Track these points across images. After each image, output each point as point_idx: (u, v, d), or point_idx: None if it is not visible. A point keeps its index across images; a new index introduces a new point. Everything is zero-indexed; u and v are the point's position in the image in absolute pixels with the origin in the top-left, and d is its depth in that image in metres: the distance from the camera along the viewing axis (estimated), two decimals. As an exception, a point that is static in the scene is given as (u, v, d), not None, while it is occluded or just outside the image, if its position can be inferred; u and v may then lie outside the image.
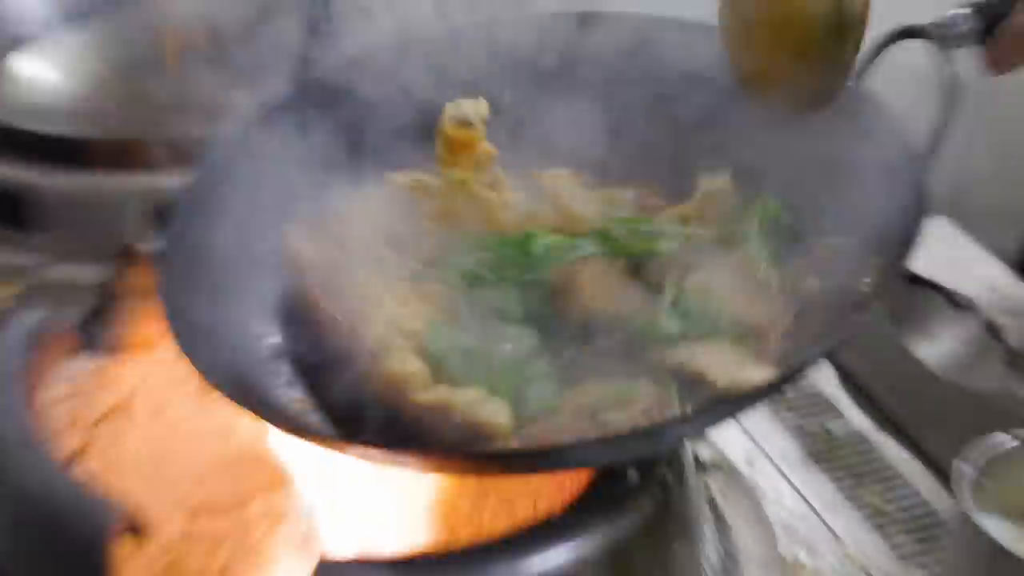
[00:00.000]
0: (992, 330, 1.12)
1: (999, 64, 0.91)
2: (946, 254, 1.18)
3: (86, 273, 1.08)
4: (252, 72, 1.35)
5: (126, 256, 0.94)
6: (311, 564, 0.75)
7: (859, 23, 0.87)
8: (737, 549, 0.99)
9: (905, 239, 0.77)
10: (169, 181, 1.20)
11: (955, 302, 1.15)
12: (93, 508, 0.77)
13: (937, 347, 1.14)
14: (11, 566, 0.83)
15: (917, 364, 1.13)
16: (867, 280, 0.79)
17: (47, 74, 1.44)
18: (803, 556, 1.02)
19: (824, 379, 1.22)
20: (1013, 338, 1.10)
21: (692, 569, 0.91)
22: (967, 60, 0.89)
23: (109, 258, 0.95)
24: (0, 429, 0.81)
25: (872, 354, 1.19)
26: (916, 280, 1.16)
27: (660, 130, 0.97)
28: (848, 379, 1.22)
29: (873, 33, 0.89)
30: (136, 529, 0.80)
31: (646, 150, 0.98)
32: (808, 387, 1.21)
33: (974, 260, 1.20)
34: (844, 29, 0.86)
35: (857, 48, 0.88)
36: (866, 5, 0.87)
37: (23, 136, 1.28)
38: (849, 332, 0.80)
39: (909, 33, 0.90)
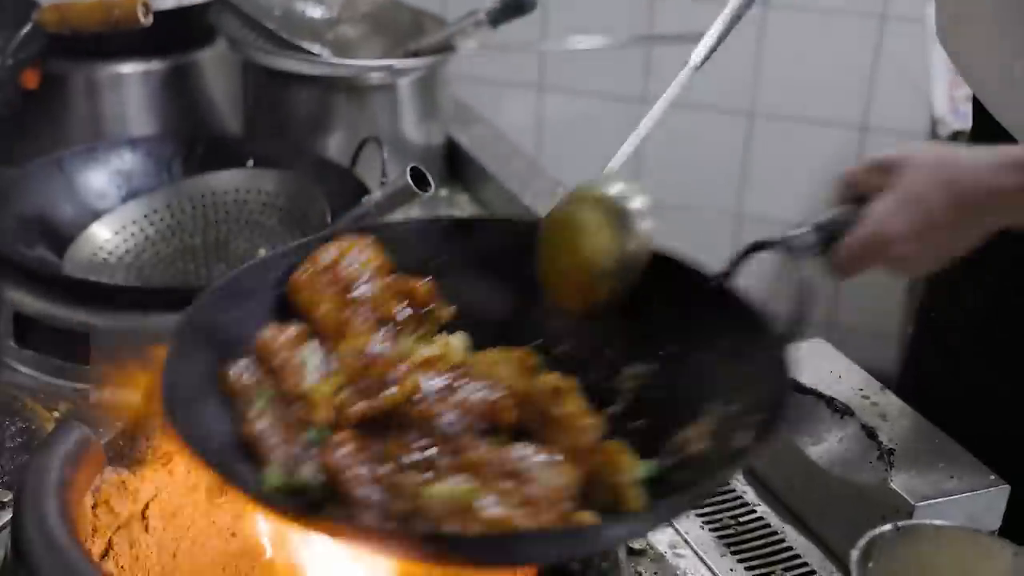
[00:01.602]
0: (867, 431, 1.12)
1: (840, 272, 0.96)
2: (824, 367, 1.20)
3: (121, 398, 1.08)
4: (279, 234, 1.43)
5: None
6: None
7: (631, 272, 0.95)
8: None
9: (778, 403, 0.81)
10: None
11: (835, 408, 1.16)
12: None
13: (823, 447, 1.14)
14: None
15: (808, 462, 1.14)
16: (751, 435, 0.81)
17: (110, 237, 1.45)
18: (720, 635, 1.03)
19: (734, 479, 1.22)
20: (885, 438, 1.11)
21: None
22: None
23: (142, 386, 0.96)
24: (40, 535, 0.82)
25: (774, 458, 1.20)
26: (802, 390, 1.19)
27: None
28: (753, 476, 1.23)
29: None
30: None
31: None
32: (719, 488, 1.19)
33: (846, 371, 1.22)
34: (617, 277, 0.95)
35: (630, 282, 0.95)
36: (640, 259, 0.95)
37: (91, 287, 1.31)
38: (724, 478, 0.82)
39: (762, 246, 0.93)
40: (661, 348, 0.93)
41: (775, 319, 0.88)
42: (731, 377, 0.87)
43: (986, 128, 1.29)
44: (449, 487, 0.81)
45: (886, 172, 0.96)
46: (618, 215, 0.98)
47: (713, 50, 1.31)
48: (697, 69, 1.30)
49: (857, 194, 0.97)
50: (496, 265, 1.01)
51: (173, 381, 0.85)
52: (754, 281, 0.94)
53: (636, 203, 0.98)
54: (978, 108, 1.32)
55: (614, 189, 1.00)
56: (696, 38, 1.53)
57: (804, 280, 0.90)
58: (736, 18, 1.33)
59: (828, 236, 0.95)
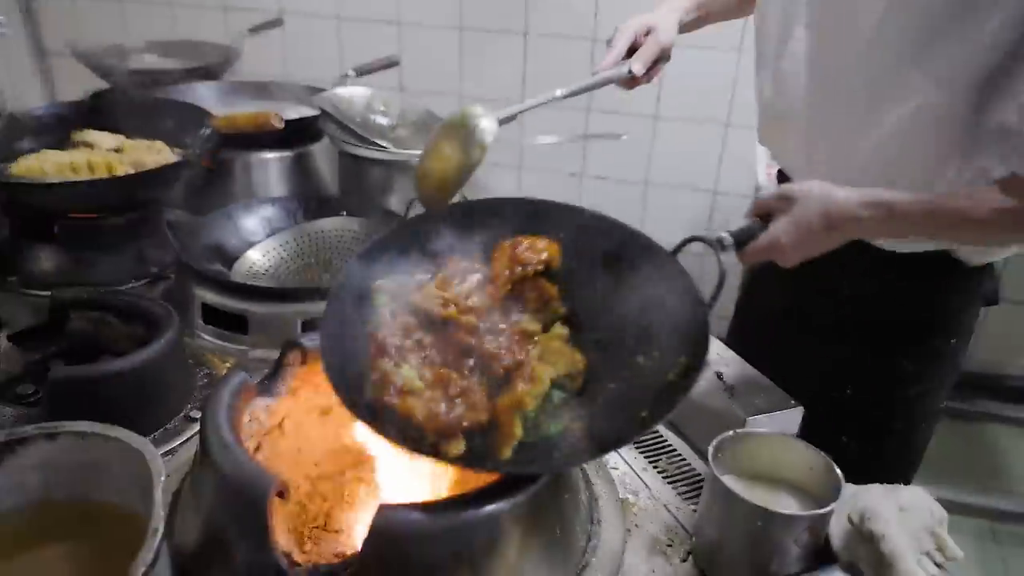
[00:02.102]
0: (717, 374, 1.12)
1: (746, 262, 0.99)
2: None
3: (268, 354, 1.08)
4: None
5: (289, 346, 0.95)
6: (375, 507, 0.75)
7: (472, 170, 0.99)
8: (597, 495, 0.99)
9: (699, 347, 0.81)
10: (314, 308, 1.24)
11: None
12: (262, 480, 0.77)
13: (690, 383, 1.15)
14: (215, 514, 0.82)
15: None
16: (675, 372, 0.82)
17: (259, 258, 1.45)
18: (631, 498, 1.02)
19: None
20: (728, 379, 1.11)
21: (573, 507, 0.90)
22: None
23: (280, 346, 0.96)
24: (216, 438, 0.81)
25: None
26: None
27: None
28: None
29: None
30: (283, 492, 0.79)
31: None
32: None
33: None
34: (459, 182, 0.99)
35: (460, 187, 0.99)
36: (472, 169, 1.00)
37: (247, 288, 1.31)
38: (668, 409, 0.79)
39: (696, 239, 0.94)
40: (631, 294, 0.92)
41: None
42: (668, 328, 0.86)
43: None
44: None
45: (786, 200, 0.96)
46: (467, 132, 1.01)
47: (569, 95, 1.22)
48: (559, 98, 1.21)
49: (765, 213, 0.98)
50: None
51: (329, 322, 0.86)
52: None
53: (480, 122, 1.01)
54: (783, 179, 1.32)
55: (468, 115, 1.02)
56: (612, 137, 1.50)
57: (721, 266, 0.90)
58: (591, 87, 1.27)
59: (742, 239, 0.96)
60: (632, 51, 1.28)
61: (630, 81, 1.27)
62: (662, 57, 1.29)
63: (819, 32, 1.10)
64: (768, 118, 1.26)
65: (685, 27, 1.34)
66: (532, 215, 0.99)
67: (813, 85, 1.12)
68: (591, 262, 0.95)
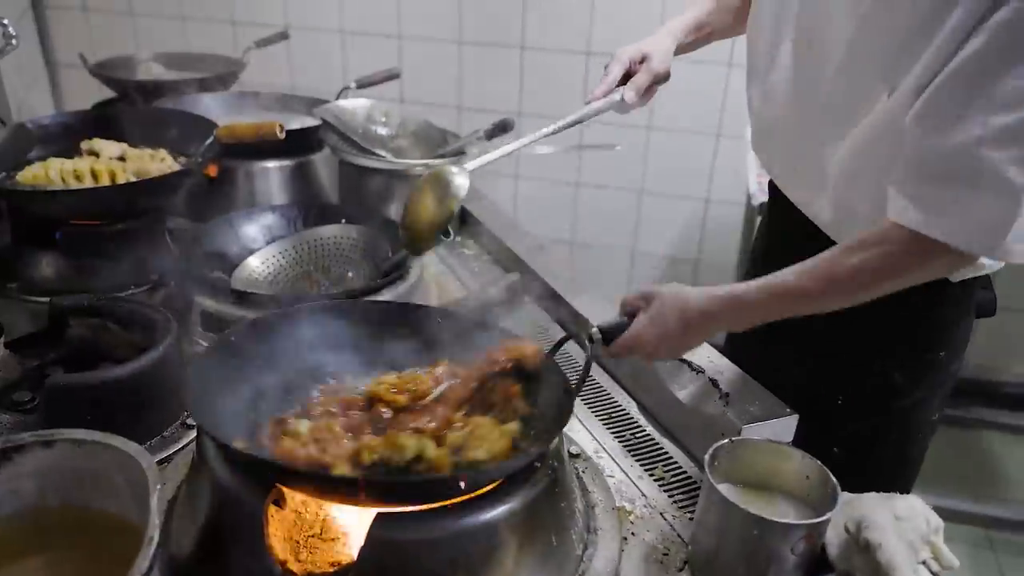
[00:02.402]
0: (712, 382, 1.11)
1: (610, 356, 1.02)
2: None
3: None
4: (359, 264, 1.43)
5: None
6: (371, 516, 0.74)
7: (448, 218, 1.08)
8: (593, 503, 0.98)
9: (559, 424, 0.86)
10: None
11: (693, 368, 1.14)
12: (258, 487, 0.75)
13: (686, 391, 1.13)
14: (211, 522, 0.80)
15: (678, 400, 1.12)
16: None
17: (259, 265, 1.43)
18: (627, 506, 1.00)
19: (631, 408, 1.21)
20: (723, 387, 1.09)
21: (570, 515, 0.89)
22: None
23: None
24: (212, 445, 0.80)
25: (655, 396, 1.19)
26: (674, 358, 1.17)
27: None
28: (642, 408, 1.21)
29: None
30: (279, 500, 0.78)
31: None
32: (622, 416, 1.19)
33: (701, 347, 1.19)
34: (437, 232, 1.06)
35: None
36: (450, 218, 1.09)
37: (247, 295, 1.28)
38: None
39: (568, 338, 1.00)
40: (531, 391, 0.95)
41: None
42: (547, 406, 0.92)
43: (777, 200, 1.29)
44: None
45: (647, 299, 0.99)
46: (445, 185, 1.09)
47: (561, 129, 1.26)
48: (547, 135, 1.25)
49: (631, 311, 1.01)
50: None
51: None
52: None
53: (457, 177, 1.09)
54: (773, 187, 1.31)
55: (444, 172, 1.11)
56: (606, 148, 1.50)
57: (590, 357, 0.96)
58: (584, 118, 1.29)
59: (610, 335, 1.00)
60: (627, 77, 1.30)
61: (622, 108, 1.31)
62: (656, 83, 1.31)
63: (799, 49, 1.10)
64: (758, 129, 1.26)
65: (683, 49, 1.35)
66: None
67: (795, 99, 1.12)
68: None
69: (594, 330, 1.00)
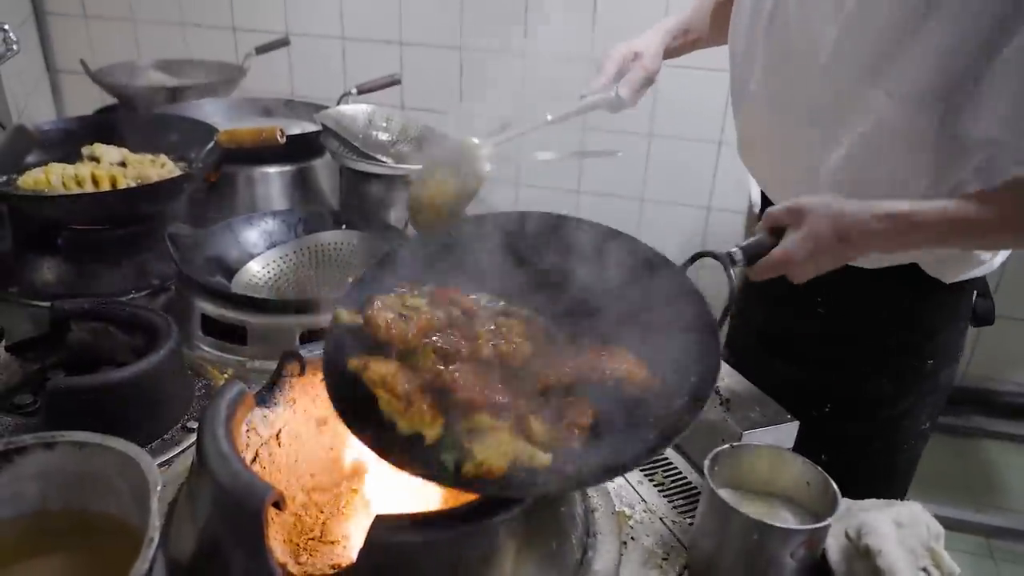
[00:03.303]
0: (714, 389, 1.12)
1: (756, 277, 0.94)
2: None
3: (266, 364, 1.07)
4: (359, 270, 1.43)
5: (287, 357, 0.93)
6: (370, 519, 0.74)
7: (469, 200, 0.97)
8: (592, 507, 0.97)
9: (711, 371, 0.79)
10: (313, 320, 1.23)
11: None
12: (257, 490, 0.75)
13: (686, 397, 1.14)
14: (211, 524, 0.80)
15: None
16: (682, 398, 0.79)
17: (259, 270, 1.44)
18: (627, 511, 1.00)
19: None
20: (724, 392, 1.09)
21: (569, 519, 0.88)
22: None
23: (278, 357, 0.95)
24: (213, 449, 0.80)
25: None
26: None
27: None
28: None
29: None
30: (279, 502, 0.78)
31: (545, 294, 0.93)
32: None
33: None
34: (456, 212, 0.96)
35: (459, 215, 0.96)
36: (470, 197, 0.98)
37: (247, 299, 1.29)
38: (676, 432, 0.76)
39: (706, 255, 0.92)
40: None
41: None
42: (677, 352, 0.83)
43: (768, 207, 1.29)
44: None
45: (796, 214, 0.92)
46: (469, 159, 1.01)
47: (559, 120, 1.26)
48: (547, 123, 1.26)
49: (776, 227, 0.94)
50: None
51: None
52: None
53: (482, 150, 1.00)
54: (764, 197, 1.32)
55: (469, 142, 1.01)
56: (607, 154, 1.52)
57: (731, 282, 0.89)
58: (581, 111, 1.30)
59: (752, 255, 0.92)
60: (620, 76, 1.30)
61: (617, 105, 1.29)
62: (648, 81, 1.30)
63: (774, 58, 1.10)
64: (743, 140, 1.28)
65: (670, 53, 1.35)
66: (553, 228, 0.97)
67: (775, 108, 1.13)
68: (604, 278, 0.92)
69: (735, 250, 0.92)
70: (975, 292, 1.20)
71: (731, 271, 0.90)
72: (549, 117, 1.22)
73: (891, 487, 1.27)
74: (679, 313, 0.85)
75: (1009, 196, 0.89)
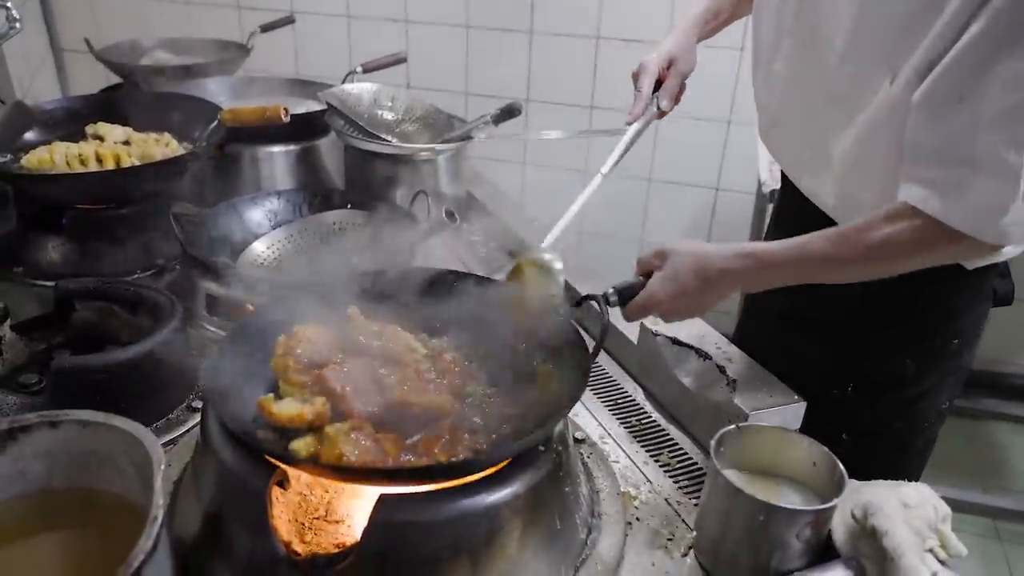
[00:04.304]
0: (720, 368, 1.10)
1: (629, 318, 1.01)
2: (695, 331, 1.18)
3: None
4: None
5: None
6: (375, 498, 0.74)
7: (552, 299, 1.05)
8: (597, 487, 0.98)
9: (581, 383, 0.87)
10: None
11: (700, 354, 1.14)
12: (262, 469, 0.76)
13: (693, 377, 1.13)
14: (216, 503, 0.81)
15: (684, 386, 1.12)
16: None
17: (264, 250, 1.43)
18: (632, 491, 1.00)
19: (637, 395, 1.21)
20: (730, 373, 1.09)
21: (574, 499, 0.89)
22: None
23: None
24: (216, 427, 0.80)
25: (662, 382, 1.19)
26: (681, 344, 1.17)
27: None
28: (650, 395, 1.21)
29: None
30: (283, 481, 0.78)
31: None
32: (628, 402, 1.19)
33: (708, 333, 1.18)
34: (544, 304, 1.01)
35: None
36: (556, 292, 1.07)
37: (249, 278, 1.28)
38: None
39: (587, 298, 0.98)
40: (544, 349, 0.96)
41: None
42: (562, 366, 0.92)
43: (787, 188, 1.29)
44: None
45: (662, 258, 0.98)
46: (545, 271, 1.09)
47: (616, 163, 1.30)
48: (604, 177, 1.29)
49: (646, 270, 1.00)
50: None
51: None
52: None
53: (556, 264, 1.10)
54: (784, 176, 1.31)
55: (546, 257, 1.11)
56: (615, 132, 1.51)
57: (605, 320, 0.94)
58: (633, 141, 1.32)
59: (624, 296, 1.00)
60: (657, 84, 1.34)
61: (659, 115, 1.34)
62: (684, 84, 1.35)
63: (802, 38, 1.10)
64: (764, 118, 1.27)
65: (702, 38, 1.38)
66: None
67: (798, 87, 1.12)
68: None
69: (610, 290, 0.99)
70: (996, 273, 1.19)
71: (605, 309, 0.96)
72: (603, 170, 1.29)
73: (910, 466, 1.27)
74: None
75: (885, 221, 0.90)
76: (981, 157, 0.85)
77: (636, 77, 1.34)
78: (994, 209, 0.86)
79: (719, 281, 0.95)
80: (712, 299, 0.98)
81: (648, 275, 0.99)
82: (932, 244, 0.90)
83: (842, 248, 0.92)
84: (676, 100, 1.35)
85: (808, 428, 1.02)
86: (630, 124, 1.32)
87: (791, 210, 1.30)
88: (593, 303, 0.97)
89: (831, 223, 1.13)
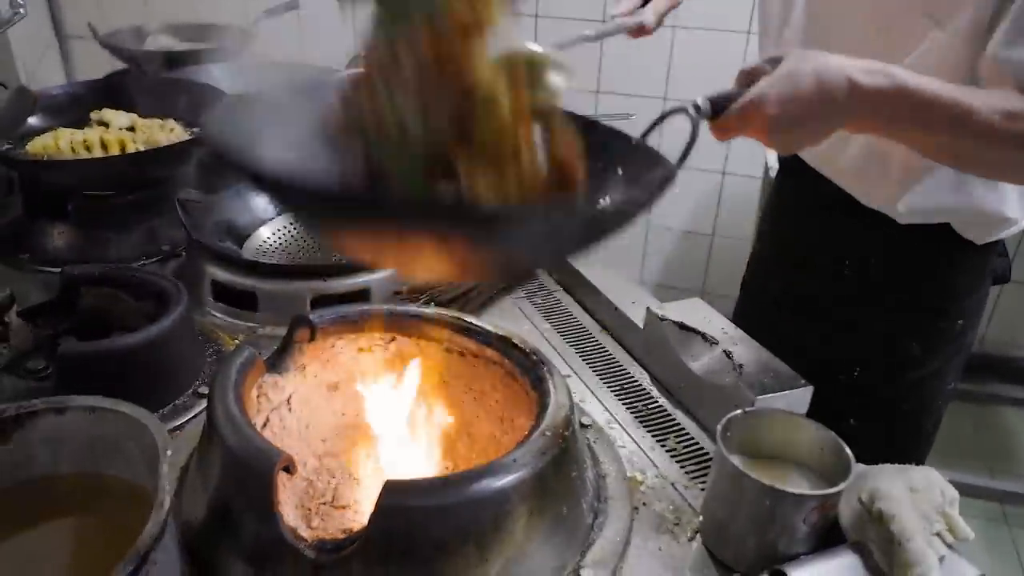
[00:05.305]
0: (726, 353, 1.09)
1: (719, 134, 0.84)
2: (701, 316, 1.17)
3: (276, 330, 1.06)
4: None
5: (298, 322, 0.93)
6: (381, 484, 0.73)
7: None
8: (604, 472, 0.98)
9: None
10: (322, 285, 1.23)
11: (706, 339, 1.13)
12: (268, 455, 0.76)
13: (699, 362, 1.12)
14: (222, 489, 0.81)
15: (690, 372, 1.12)
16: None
17: (270, 236, 1.43)
18: (638, 476, 1.00)
19: (643, 380, 1.21)
20: (737, 358, 1.08)
21: (580, 484, 0.89)
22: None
23: (288, 323, 0.94)
24: (223, 413, 0.80)
25: (668, 367, 1.19)
26: (686, 328, 1.17)
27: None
28: (656, 380, 1.21)
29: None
30: (290, 467, 0.78)
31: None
32: (634, 387, 1.19)
33: (714, 318, 1.18)
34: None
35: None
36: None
37: (257, 265, 1.29)
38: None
39: (673, 112, 0.84)
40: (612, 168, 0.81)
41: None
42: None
43: (785, 167, 1.28)
44: None
45: (776, 62, 0.82)
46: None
47: (595, 39, 1.26)
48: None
49: (751, 79, 0.83)
50: None
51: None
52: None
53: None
54: (783, 159, 1.30)
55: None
56: (621, 117, 1.50)
57: (694, 133, 0.81)
58: (602, 35, 1.29)
59: (719, 106, 0.82)
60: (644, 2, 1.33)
61: (639, 31, 1.31)
62: (672, 4, 1.34)
63: (815, 10, 1.07)
64: None
65: None
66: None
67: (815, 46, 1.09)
68: None
69: (700, 99, 0.82)
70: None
71: (696, 122, 0.81)
72: (588, 32, 1.24)
73: (918, 448, 1.27)
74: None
75: None
76: None
77: None
78: None
79: (841, 95, 0.78)
80: (827, 118, 0.80)
81: (750, 85, 0.82)
82: None
83: (985, 110, 0.79)
84: (661, 16, 1.33)
85: (815, 413, 1.02)
86: (614, 18, 1.32)
87: (790, 191, 1.29)
88: (684, 113, 0.81)
89: (833, 205, 1.12)
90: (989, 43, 0.87)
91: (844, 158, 1.12)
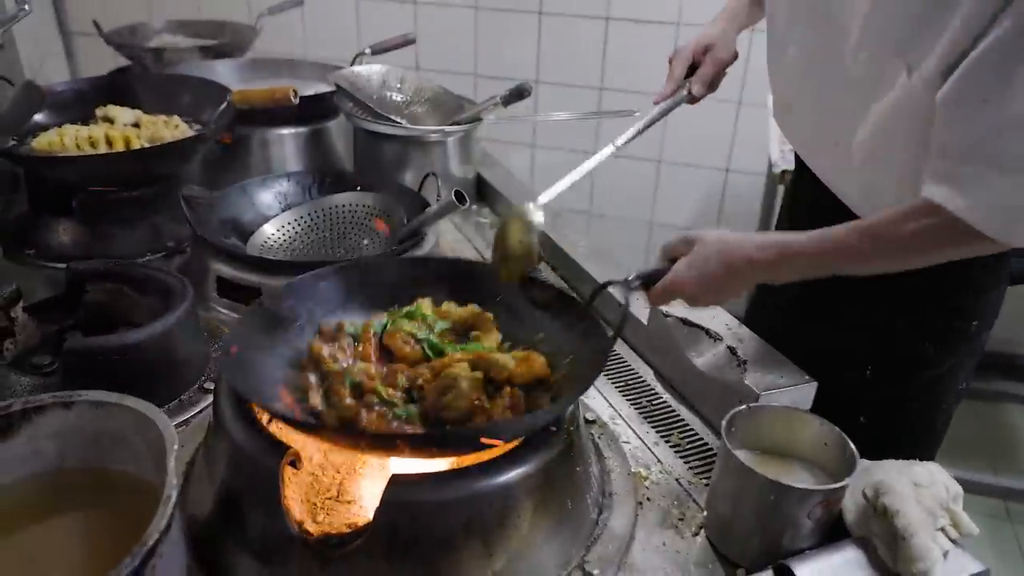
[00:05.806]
0: (730, 349, 1.10)
1: (653, 302, 1.01)
2: (706, 312, 1.18)
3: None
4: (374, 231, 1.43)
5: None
6: (386, 478, 0.74)
7: (532, 263, 1.02)
8: (608, 468, 0.98)
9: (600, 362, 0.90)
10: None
11: (711, 335, 1.14)
12: (273, 449, 0.76)
13: (704, 358, 1.12)
14: (228, 483, 0.81)
15: (695, 367, 1.12)
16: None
17: (274, 232, 1.43)
18: (643, 471, 1.00)
19: (648, 375, 1.21)
20: (741, 353, 1.09)
21: (585, 479, 0.89)
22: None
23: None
24: (229, 408, 0.80)
25: (673, 362, 1.19)
26: (691, 324, 1.17)
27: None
28: (661, 376, 1.21)
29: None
30: (295, 461, 0.78)
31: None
32: (639, 383, 1.19)
33: (719, 313, 1.18)
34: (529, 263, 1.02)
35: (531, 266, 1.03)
36: (539, 259, 1.03)
37: (262, 261, 1.30)
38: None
39: (608, 284, 0.98)
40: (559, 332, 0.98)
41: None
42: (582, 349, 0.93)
43: (801, 170, 1.28)
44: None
45: (688, 243, 0.97)
46: (528, 225, 1.05)
47: (630, 140, 1.29)
48: (617, 149, 1.27)
49: (671, 256, 0.99)
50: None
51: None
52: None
53: (537, 219, 1.06)
54: (797, 157, 1.30)
55: (527, 212, 1.07)
56: (625, 114, 1.49)
57: (626, 305, 0.95)
58: (653, 122, 1.30)
59: (648, 281, 0.98)
60: (692, 69, 1.33)
61: (691, 100, 1.33)
62: (721, 72, 1.33)
63: (816, 24, 1.08)
64: (778, 102, 1.26)
65: (741, 29, 1.37)
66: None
67: (813, 75, 1.11)
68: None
69: (632, 276, 0.98)
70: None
71: (627, 296, 0.95)
72: (616, 143, 1.27)
73: (928, 446, 1.27)
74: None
75: (910, 216, 0.88)
76: (1006, 158, 0.83)
77: (671, 61, 1.34)
78: (1019, 210, 0.84)
79: (744, 270, 0.94)
80: (736, 287, 0.97)
81: (673, 262, 0.98)
82: (955, 242, 0.88)
83: (866, 243, 0.91)
84: (711, 87, 1.34)
85: (826, 410, 1.02)
86: (656, 104, 1.31)
87: (805, 193, 1.28)
88: (613, 290, 0.97)
89: (845, 208, 1.12)
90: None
91: (844, 186, 1.14)
